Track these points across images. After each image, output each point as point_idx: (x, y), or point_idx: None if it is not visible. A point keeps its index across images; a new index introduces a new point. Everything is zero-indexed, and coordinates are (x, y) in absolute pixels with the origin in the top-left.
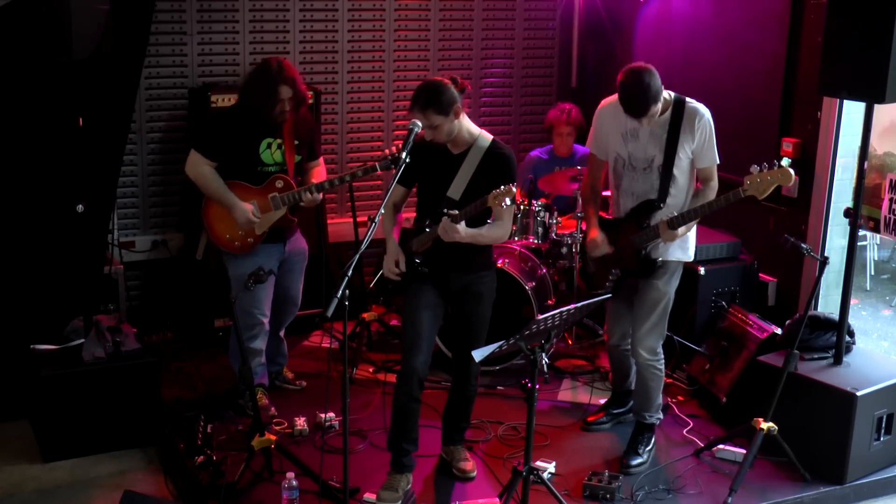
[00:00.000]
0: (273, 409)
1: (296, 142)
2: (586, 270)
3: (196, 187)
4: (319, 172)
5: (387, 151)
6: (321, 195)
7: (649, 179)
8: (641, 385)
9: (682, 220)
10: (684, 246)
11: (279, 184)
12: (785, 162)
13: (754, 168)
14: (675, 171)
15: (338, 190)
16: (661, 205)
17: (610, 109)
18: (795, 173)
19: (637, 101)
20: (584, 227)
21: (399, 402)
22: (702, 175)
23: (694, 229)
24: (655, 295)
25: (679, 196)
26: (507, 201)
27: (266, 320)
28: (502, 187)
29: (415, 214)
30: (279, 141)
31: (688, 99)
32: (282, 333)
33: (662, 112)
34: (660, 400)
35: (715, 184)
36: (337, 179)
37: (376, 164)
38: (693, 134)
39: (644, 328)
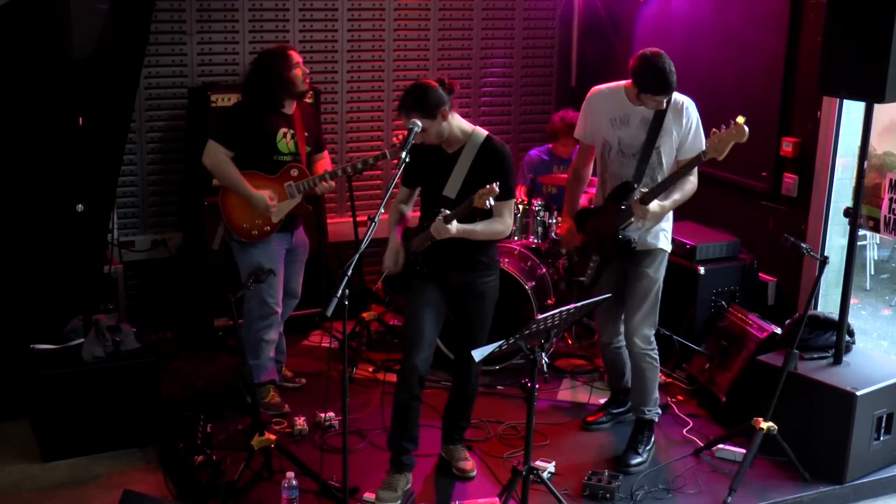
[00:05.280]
0: (287, 406)
1: (305, 133)
2: (569, 260)
3: (199, 184)
4: (324, 165)
5: (395, 140)
6: (334, 182)
7: (636, 164)
8: (638, 377)
9: (652, 194)
10: (666, 235)
11: (294, 172)
12: (740, 119)
13: (714, 131)
14: (653, 156)
15: (338, 189)
16: (636, 185)
17: (601, 97)
18: (751, 132)
19: (665, 80)
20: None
21: (399, 400)
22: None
23: (670, 218)
24: (646, 283)
25: (656, 179)
26: (491, 200)
27: (280, 311)
28: (486, 186)
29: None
30: (293, 131)
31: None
32: (281, 328)
33: None
34: (657, 393)
35: (694, 179)
36: (350, 167)
37: (386, 151)
38: (679, 122)
39: (637, 317)
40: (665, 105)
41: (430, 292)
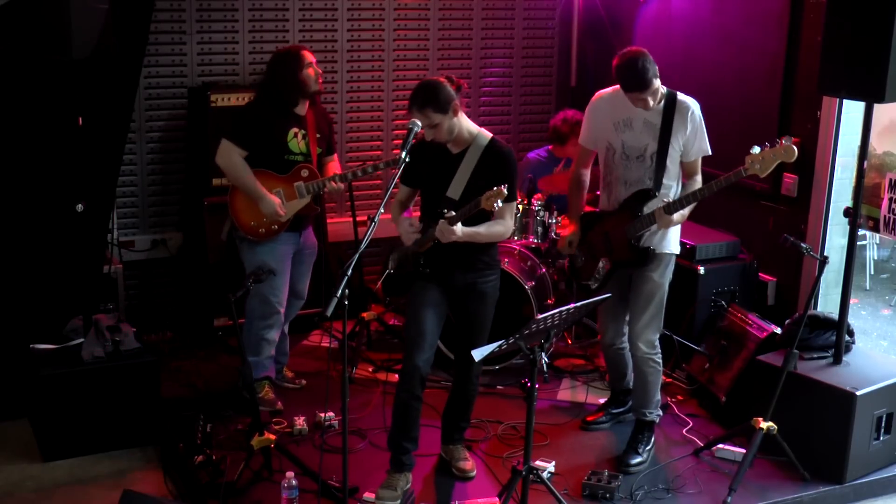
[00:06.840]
0: (280, 403)
1: (318, 135)
2: (574, 263)
3: (199, 184)
4: (334, 167)
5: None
6: (344, 185)
7: (642, 167)
8: (640, 380)
9: (678, 205)
10: (674, 238)
11: (304, 173)
12: (787, 140)
13: (755, 148)
14: (668, 162)
15: None
16: (656, 194)
17: (604, 101)
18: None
19: (637, 77)
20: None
21: (400, 400)
22: (688, 169)
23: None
24: (651, 287)
25: (670, 185)
26: (499, 202)
27: (283, 310)
28: (494, 188)
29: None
30: (304, 132)
31: (679, 93)
32: (286, 329)
33: (657, 103)
34: (658, 396)
35: (699, 178)
36: (360, 170)
37: (402, 153)
38: (685, 125)
39: (641, 322)
40: (651, 104)
41: (431, 293)
